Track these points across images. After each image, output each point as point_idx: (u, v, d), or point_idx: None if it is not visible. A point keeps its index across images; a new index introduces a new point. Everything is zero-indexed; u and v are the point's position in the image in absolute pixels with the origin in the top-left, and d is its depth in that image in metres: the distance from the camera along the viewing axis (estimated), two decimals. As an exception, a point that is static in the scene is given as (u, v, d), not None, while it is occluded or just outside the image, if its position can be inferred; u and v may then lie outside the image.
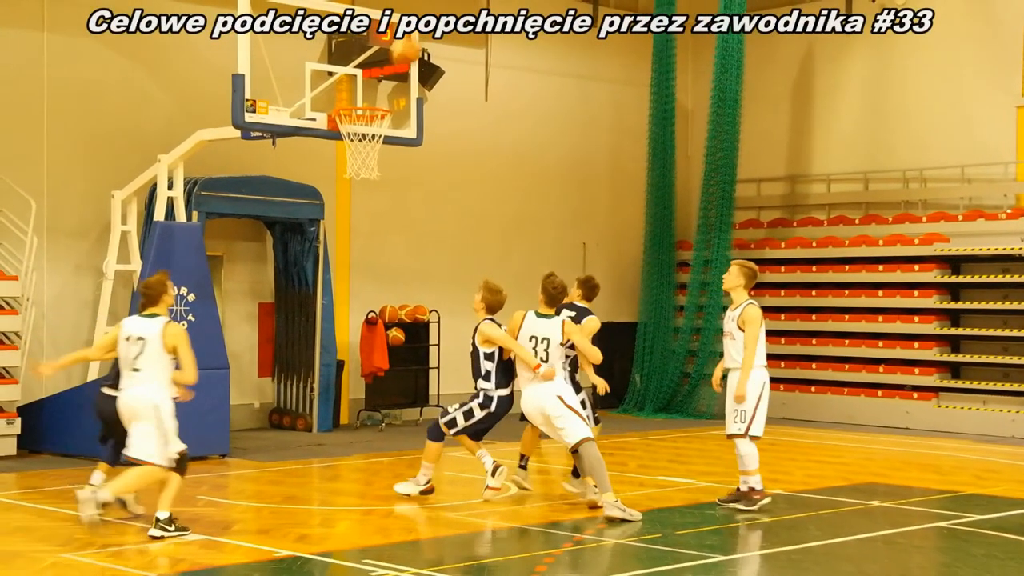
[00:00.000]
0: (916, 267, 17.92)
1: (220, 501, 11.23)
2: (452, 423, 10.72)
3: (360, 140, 13.61)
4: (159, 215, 14.27)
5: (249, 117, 13.03)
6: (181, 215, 14.44)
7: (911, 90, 19.26)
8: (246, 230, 16.87)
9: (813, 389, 18.70)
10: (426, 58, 16.43)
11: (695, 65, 21.02)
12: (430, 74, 16.90)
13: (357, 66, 14.16)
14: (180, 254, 13.84)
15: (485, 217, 19.29)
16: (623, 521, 9.90)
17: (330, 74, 14.14)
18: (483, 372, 10.68)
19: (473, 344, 10.72)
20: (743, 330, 10.52)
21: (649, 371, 19.68)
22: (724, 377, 10.98)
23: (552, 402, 10.35)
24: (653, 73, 19.72)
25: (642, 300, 20.06)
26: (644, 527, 9.94)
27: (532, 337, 10.52)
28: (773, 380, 19.18)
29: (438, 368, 17.73)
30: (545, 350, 10.45)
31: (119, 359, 9.57)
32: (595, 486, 10.36)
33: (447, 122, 17.80)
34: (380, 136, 13.70)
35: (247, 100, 12.94)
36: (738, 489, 10.65)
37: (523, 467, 11.28)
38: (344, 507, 10.87)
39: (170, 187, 14.32)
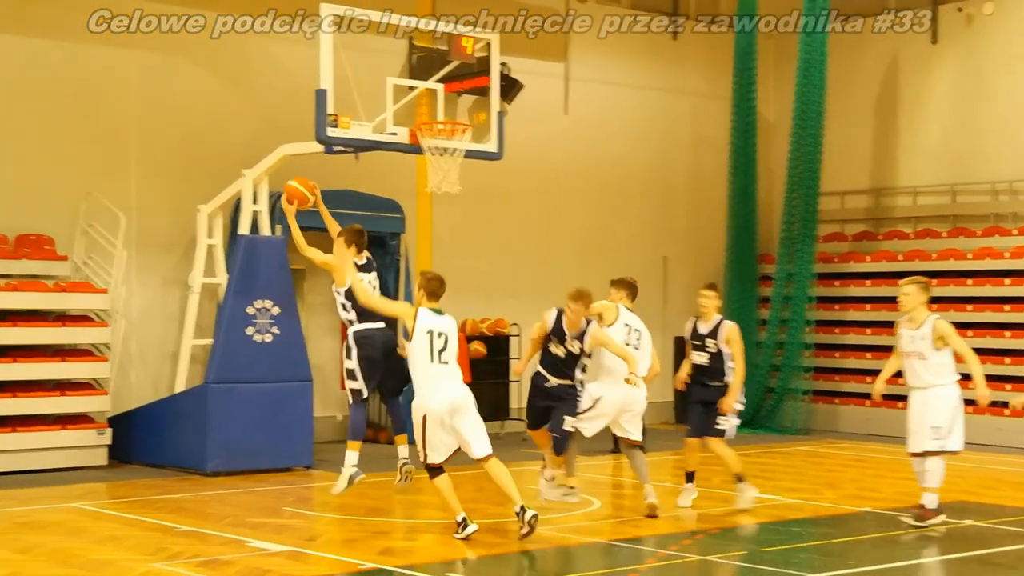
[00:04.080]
0: (1007, 281, 17.56)
1: (305, 513, 11.31)
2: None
3: (441, 154, 13.66)
4: (243, 229, 14.45)
5: (332, 132, 13.15)
6: (265, 229, 14.60)
7: (1001, 101, 18.91)
8: (328, 244, 16.96)
9: (900, 405, 18.34)
10: (506, 72, 16.47)
11: (777, 77, 20.84)
12: (510, 88, 16.91)
13: (438, 80, 14.23)
14: (264, 268, 14.01)
15: (565, 230, 19.26)
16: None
17: (411, 89, 14.22)
18: (582, 367, 10.64)
19: (582, 347, 10.58)
20: (939, 348, 10.27)
21: (730, 385, 19.48)
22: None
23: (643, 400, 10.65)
24: (734, 85, 19.59)
25: (724, 314, 19.83)
26: (729, 544, 9.83)
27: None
28: (861, 395, 19.06)
29: (519, 381, 17.71)
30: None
31: (425, 352, 9.61)
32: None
33: (527, 135, 17.81)
34: (461, 150, 13.74)
35: (330, 115, 13.06)
36: (921, 506, 10.46)
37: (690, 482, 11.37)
38: (427, 520, 10.88)
39: (254, 201, 14.49)
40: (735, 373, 11.20)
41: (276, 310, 13.85)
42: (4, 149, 14.49)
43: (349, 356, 10.98)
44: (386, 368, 11.14)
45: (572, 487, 10.97)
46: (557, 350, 10.44)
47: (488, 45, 14.26)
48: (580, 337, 10.41)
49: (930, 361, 10.30)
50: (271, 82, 16.21)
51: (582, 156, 19.43)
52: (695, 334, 11.36)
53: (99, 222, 14.70)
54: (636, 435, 10.82)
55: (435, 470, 9.79)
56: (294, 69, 15.68)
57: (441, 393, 9.66)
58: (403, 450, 11.49)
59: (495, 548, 9.65)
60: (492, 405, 17.75)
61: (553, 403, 10.53)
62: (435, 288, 9.97)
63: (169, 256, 15.53)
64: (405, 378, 10.15)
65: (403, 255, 16.55)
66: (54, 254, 14.51)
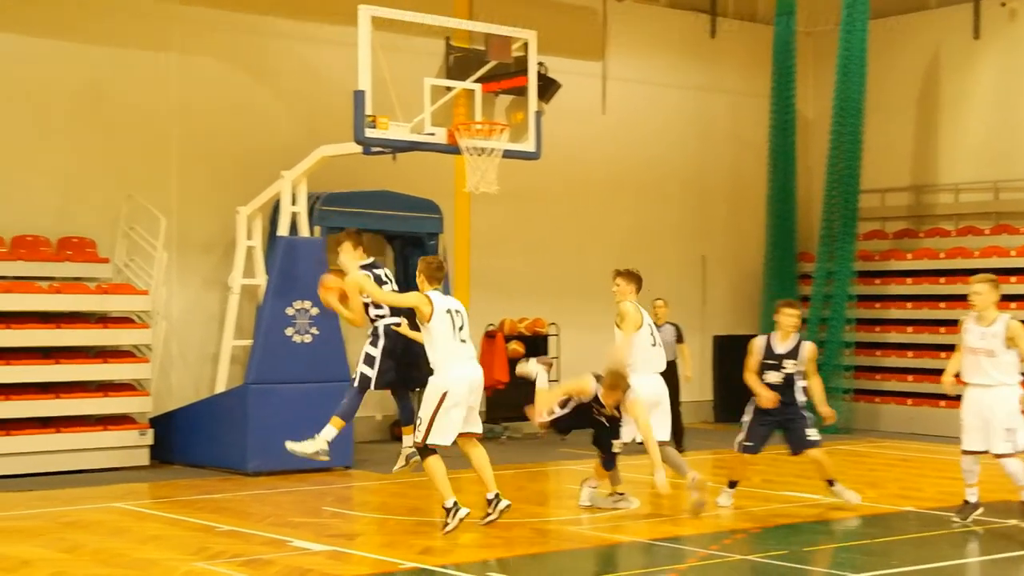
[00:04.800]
0: (1050, 278, 17.38)
1: (345, 512, 11.34)
2: None
3: (479, 154, 13.67)
4: (282, 230, 14.51)
5: (370, 133, 13.18)
6: (304, 230, 14.66)
7: (1044, 96, 18.72)
8: (367, 244, 17.03)
9: (943, 403, 18.20)
10: (543, 72, 16.45)
11: (815, 75, 20.70)
12: (548, 87, 16.90)
13: (476, 81, 14.24)
14: (303, 268, 14.06)
15: (603, 230, 19.22)
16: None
17: (448, 89, 14.24)
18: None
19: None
20: (1009, 347, 10.15)
21: (771, 385, 19.38)
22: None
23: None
24: (773, 83, 19.49)
25: (763, 313, 19.78)
26: (771, 543, 9.77)
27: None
28: (901, 394, 18.88)
29: (558, 380, 17.68)
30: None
31: (448, 330, 9.71)
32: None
33: (565, 135, 17.79)
34: (499, 150, 13.74)
35: (368, 116, 13.10)
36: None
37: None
38: (468, 519, 10.87)
39: (293, 202, 14.56)
40: (817, 385, 11.19)
41: (315, 311, 13.90)
42: (46, 153, 14.63)
43: (375, 344, 10.83)
44: (408, 360, 10.97)
45: (621, 493, 10.98)
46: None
47: (525, 45, 14.26)
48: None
49: (1000, 359, 10.15)
50: (310, 84, 16.27)
51: (619, 155, 19.39)
52: (770, 353, 11.07)
53: (140, 224, 14.81)
54: (665, 434, 10.81)
55: (430, 451, 9.74)
56: (333, 71, 15.74)
57: (464, 370, 9.75)
58: (410, 439, 11.34)
59: (535, 547, 9.64)
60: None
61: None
62: (435, 272, 10.03)
63: (209, 257, 15.63)
64: (428, 369, 10.14)
65: (441, 255, 16.56)
66: (96, 256, 14.64)
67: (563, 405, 10.65)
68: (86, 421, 13.81)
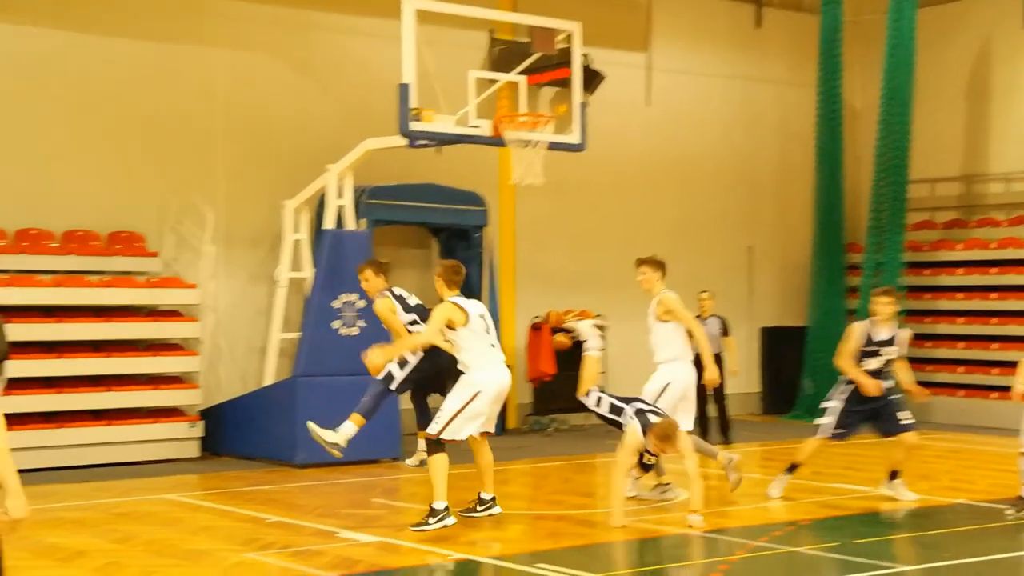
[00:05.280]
0: (1103, 267, 17.13)
1: (393, 504, 11.38)
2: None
3: (524, 146, 13.66)
4: (329, 223, 14.58)
5: (415, 126, 13.21)
6: (350, 223, 14.72)
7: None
8: (412, 237, 17.12)
9: (994, 395, 18.01)
10: (587, 64, 16.42)
11: (863, 64, 20.50)
12: (591, 79, 16.81)
13: (520, 73, 14.22)
14: (349, 261, 14.09)
15: (649, 221, 19.16)
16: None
17: (492, 81, 14.23)
18: None
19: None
20: None
21: (820, 376, 19.24)
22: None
23: None
24: (819, 73, 19.34)
25: (811, 304, 19.66)
26: (821, 535, 9.70)
27: None
28: (953, 386, 18.67)
29: (605, 372, 17.65)
30: None
31: (483, 334, 9.73)
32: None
33: (609, 127, 17.73)
34: (544, 142, 13.72)
35: (412, 109, 13.13)
36: None
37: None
38: (515, 511, 10.89)
39: (339, 196, 14.61)
40: (906, 368, 11.09)
41: (362, 303, 13.95)
42: (96, 149, 14.78)
43: (414, 352, 10.69)
44: (438, 370, 10.73)
45: (667, 483, 10.95)
46: None
47: (569, 36, 14.23)
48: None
49: None
50: (355, 77, 16.33)
51: (664, 147, 19.31)
52: (870, 341, 10.86)
53: (188, 219, 14.93)
54: (689, 424, 10.80)
55: (441, 446, 9.62)
56: (377, 64, 15.77)
57: (498, 373, 9.78)
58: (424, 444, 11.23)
59: (583, 539, 9.63)
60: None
61: None
62: (452, 276, 9.90)
63: (256, 251, 15.73)
64: (454, 380, 10.04)
65: (487, 248, 16.59)
66: (144, 251, 14.77)
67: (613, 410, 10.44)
68: (137, 413, 13.96)
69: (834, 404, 11.08)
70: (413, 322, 10.52)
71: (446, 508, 9.45)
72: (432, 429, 9.65)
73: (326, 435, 10.42)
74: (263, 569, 8.51)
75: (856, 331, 10.95)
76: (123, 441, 13.69)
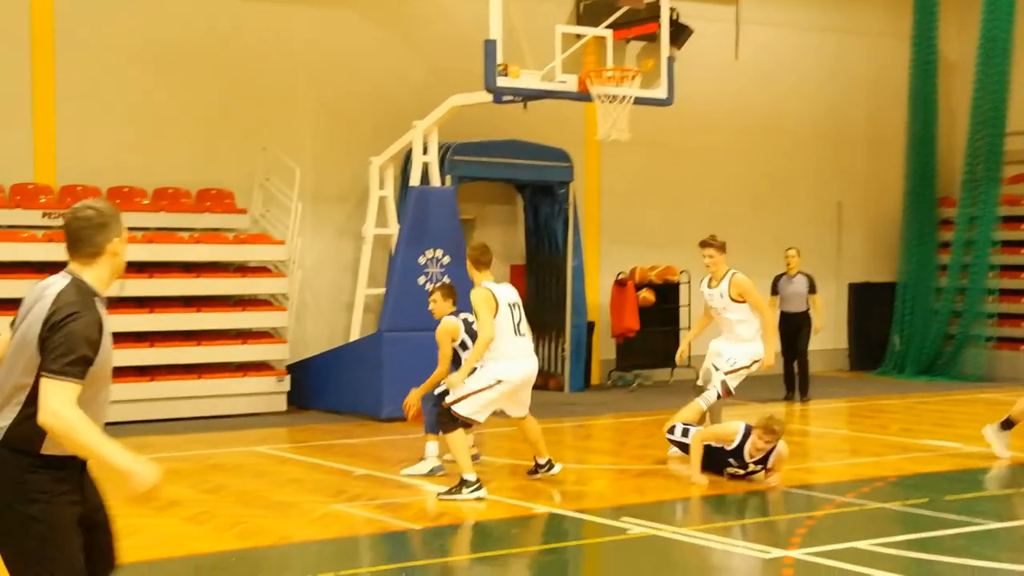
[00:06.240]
0: None
1: (477, 458, 11.42)
2: None
3: (610, 101, 13.55)
4: (414, 180, 14.62)
5: (501, 81, 13.16)
6: (435, 179, 14.75)
7: None
8: (497, 193, 17.12)
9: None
10: (675, 18, 16.22)
11: (960, 15, 19.96)
12: (679, 33, 16.61)
13: (606, 27, 14.08)
14: (435, 218, 14.17)
15: (736, 176, 18.94)
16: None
17: (579, 36, 14.11)
18: None
19: None
20: None
21: (910, 332, 18.97)
22: None
23: None
24: (914, 23, 18.89)
25: (901, 260, 19.33)
26: (910, 492, 9.58)
27: None
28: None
29: (689, 329, 17.55)
30: None
31: (509, 324, 9.48)
32: None
33: (696, 81, 17.50)
34: (630, 97, 13.60)
35: (499, 65, 13.07)
36: None
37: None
38: (598, 466, 10.91)
39: (425, 152, 14.64)
40: None
41: (447, 259, 14.00)
42: (185, 108, 14.96)
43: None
44: None
45: None
46: None
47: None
48: None
49: None
50: (440, 34, 16.31)
51: (753, 101, 19.03)
52: None
53: (275, 176, 15.08)
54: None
55: (456, 423, 9.33)
56: (463, 20, 15.73)
57: (523, 365, 9.54)
58: (434, 447, 10.40)
59: (667, 494, 9.63)
60: (662, 352, 17.64)
61: None
62: (480, 257, 9.65)
63: (342, 208, 15.85)
64: None
65: (572, 204, 16.53)
66: (233, 207, 14.96)
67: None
68: (227, 368, 14.18)
69: None
70: (463, 344, 10.16)
71: (478, 480, 9.22)
72: (448, 399, 9.42)
73: (420, 468, 10.17)
74: (350, 520, 8.63)
75: None
76: (213, 395, 13.93)
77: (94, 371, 4.30)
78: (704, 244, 10.85)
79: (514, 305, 9.59)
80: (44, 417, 4.16)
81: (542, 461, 9.96)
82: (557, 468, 9.95)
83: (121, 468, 4.20)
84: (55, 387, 4.17)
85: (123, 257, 4.58)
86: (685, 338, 11.00)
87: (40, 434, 4.22)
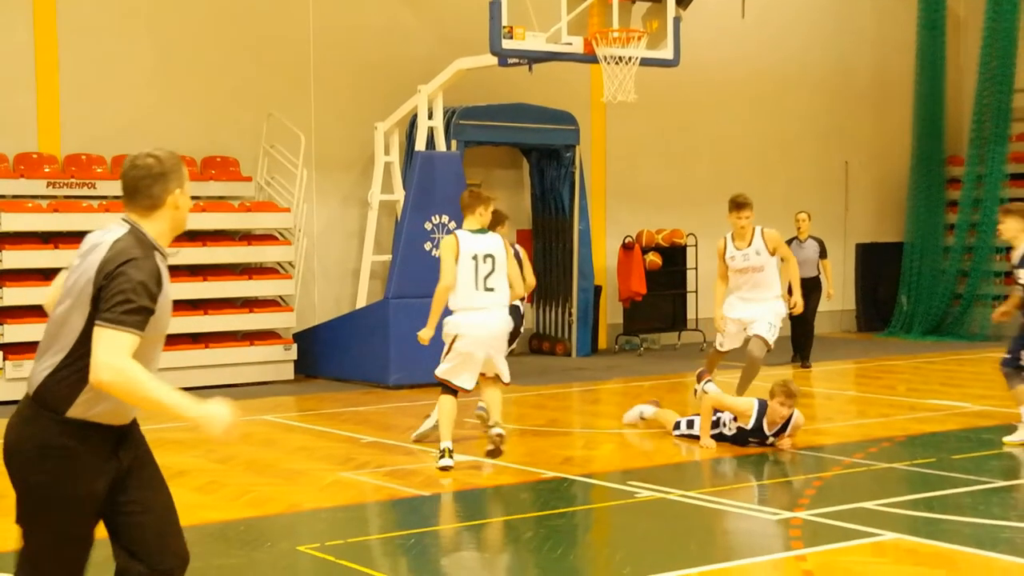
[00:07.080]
0: None
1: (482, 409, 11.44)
2: None
3: (616, 62, 13.45)
4: (420, 145, 14.57)
5: (506, 44, 13.06)
6: (441, 144, 14.70)
7: None
8: (503, 157, 17.07)
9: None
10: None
11: (967, -31, 19.84)
12: (685, -7, 16.51)
13: (611, -13, 13.94)
14: (440, 183, 14.11)
15: (742, 137, 18.85)
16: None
17: (584, -2, 13.98)
18: None
19: None
20: None
21: (917, 292, 18.93)
22: None
23: None
24: (921, -21, 18.75)
25: (908, 219, 19.26)
26: (917, 451, 9.58)
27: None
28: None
29: (696, 292, 17.54)
30: None
31: (469, 277, 9.08)
32: None
33: (703, 42, 17.38)
34: (637, 58, 13.50)
35: (504, 27, 12.98)
36: None
37: None
38: (606, 430, 10.92)
39: (430, 117, 14.58)
40: None
41: (453, 224, 13.96)
42: (190, 75, 14.90)
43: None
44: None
45: None
46: None
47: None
48: None
49: None
50: (443, -3, 16.21)
51: (759, 61, 18.92)
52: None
53: (280, 143, 15.03)
54: None
55: (447, 389, 9.18)
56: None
57: (479, 317, 9.09)
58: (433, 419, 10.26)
59: (675, 458, 9.64)
60: (669, 316, 17.66)
61: None
62: (464, 202, 9.28)
63: (348, 174, 15.80)
64: None
65: (578, 167, 16.47)
66: (239, 175, 14.92)
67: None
68: (233, 337, 14.19)
69: None
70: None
71: (447, 451, 9.02)
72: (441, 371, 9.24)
73: (427, 424, 10.15)
74: (358, 488, 8.65)
75: (1016, 255, 9.87)
76: (220, 364, 13.94)
77: (150, 327, 3.95)
78: (741, 205, 10.68)
79: (485, 256, 9.09)
80: (98, 373, 3.81)
81: (493, 424, 9.30)
82: (497, 431, 9.20)
83: (191, 416, 3.97)
84: (110, 337, 3.82)
85: (186, 211, 4.28)
86: (718, 309, 10.83)
87: (72, 395, 3.94)
